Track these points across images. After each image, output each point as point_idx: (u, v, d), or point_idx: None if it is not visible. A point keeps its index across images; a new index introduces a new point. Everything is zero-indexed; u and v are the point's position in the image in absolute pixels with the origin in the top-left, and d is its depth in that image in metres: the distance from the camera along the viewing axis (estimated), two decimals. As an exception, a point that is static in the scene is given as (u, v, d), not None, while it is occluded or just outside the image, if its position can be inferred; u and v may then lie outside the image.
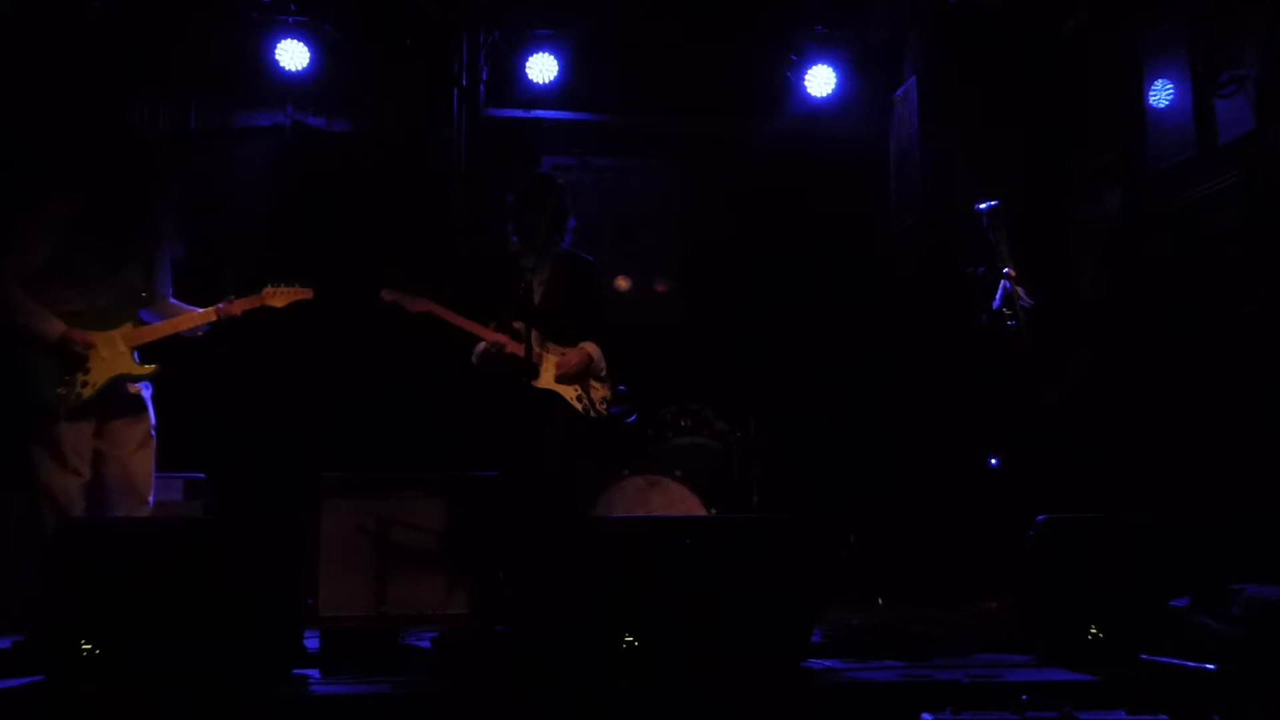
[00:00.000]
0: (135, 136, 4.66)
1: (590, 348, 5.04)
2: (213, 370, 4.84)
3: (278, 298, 4.76)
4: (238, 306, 4.67)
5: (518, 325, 4.90)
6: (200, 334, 4.71)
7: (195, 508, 5.56)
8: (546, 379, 4.93)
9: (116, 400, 4.51)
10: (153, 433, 4.61)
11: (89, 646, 3.56)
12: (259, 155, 7.07)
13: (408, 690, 3.70)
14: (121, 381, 4.50)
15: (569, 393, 4.96)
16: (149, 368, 4.56)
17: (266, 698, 3.60)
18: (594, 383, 5.05)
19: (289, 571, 3.85)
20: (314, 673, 3.91)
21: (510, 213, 5.12)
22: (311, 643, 4.04)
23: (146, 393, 4.64)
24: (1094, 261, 5.69)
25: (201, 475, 5.65)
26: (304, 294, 4.81)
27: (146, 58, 6.71)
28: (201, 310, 4.66)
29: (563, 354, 4.98)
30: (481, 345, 4.92)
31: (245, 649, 3.69)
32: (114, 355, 4.46)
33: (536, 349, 4.89)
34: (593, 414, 4.98)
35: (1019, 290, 5.21)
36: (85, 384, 4.39)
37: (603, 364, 5.07)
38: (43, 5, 6.46)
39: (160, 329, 4.61)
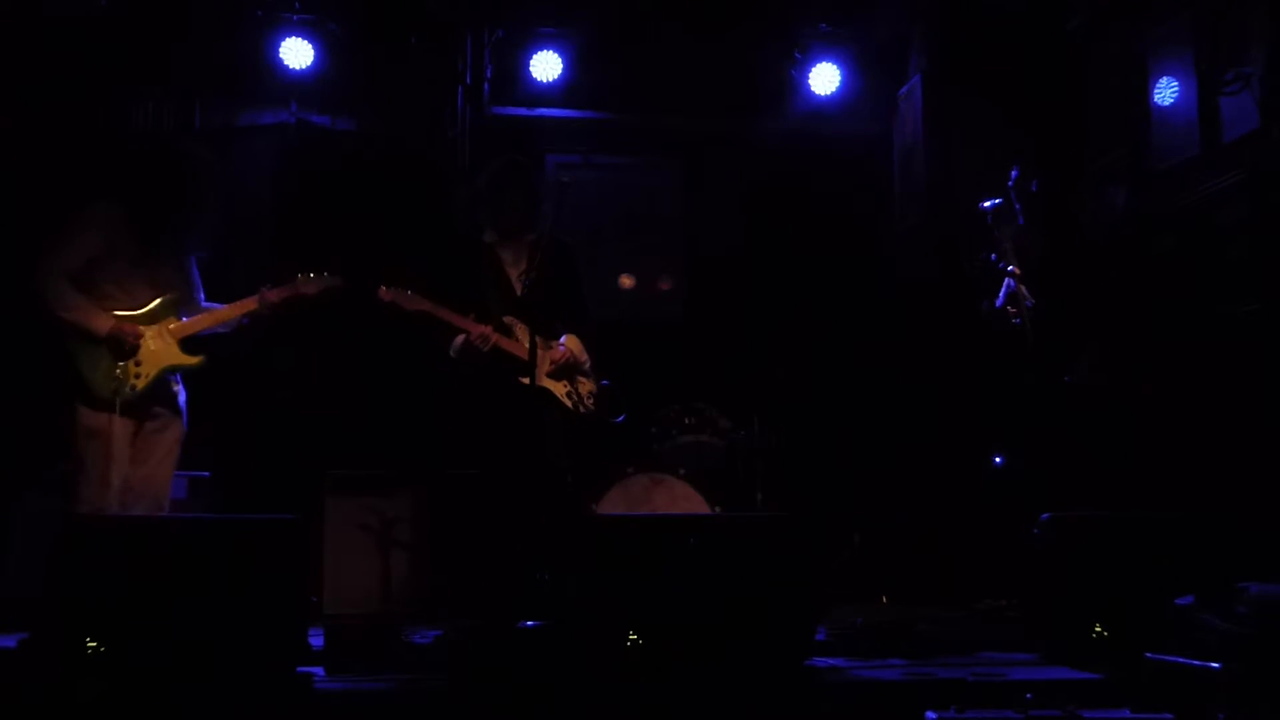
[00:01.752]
0: (181, 146, 4.78)
1: (573, 341, 5.00)
2: (216, 368, 4.86)
3: (311, 285, 4.84)
4: (275, 295, 4.77)
5: (507, 320, 4.86)
6: (243, 325, 4.79)
7: (200, 506, 5.58)
8: (538, 375, 4.85)
9: (158, 400, 4.62)
10: (180, 442, 4.71)
11: (94, 644, 3.57)
12: (263, 154, 7.07)
13: (412, 688, 3.70)
14: (170, 374, 4.63)
15: (559, 389, 4.94)
16: (196, 358, 4.67)
17: (271, 695, 3.61)
18: (580, 378, 5.01)
19: (293, 569, 3.85)
20: (318, 670, 3.91)
21: (480, 201, 5.03)
22: (316, 640, 4.04)
23: (182, 399, 4.72)
24: (1098, 260, 5.67)
25: (206, 474, 5.66)
26: (336, 282, 4.90)
27: (150, 56, 6.72)
28: (241, 301, 4.76)
29: (549, 348, 4.93)
30: (460, 339, 4.84)
31: (250, 646, 3.69)
32: (163, 348, 4.59)
33: (526, 345, 4.82)
34: (581, 409, 4.95)
35: (1023, 289, 5.20)
36: (138, 376, 4.52)
37: (585, 357, 5.02)
38: (46, 4, 6.47)
39: (204, 320, 4.72)
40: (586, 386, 5.03)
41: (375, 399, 6.70)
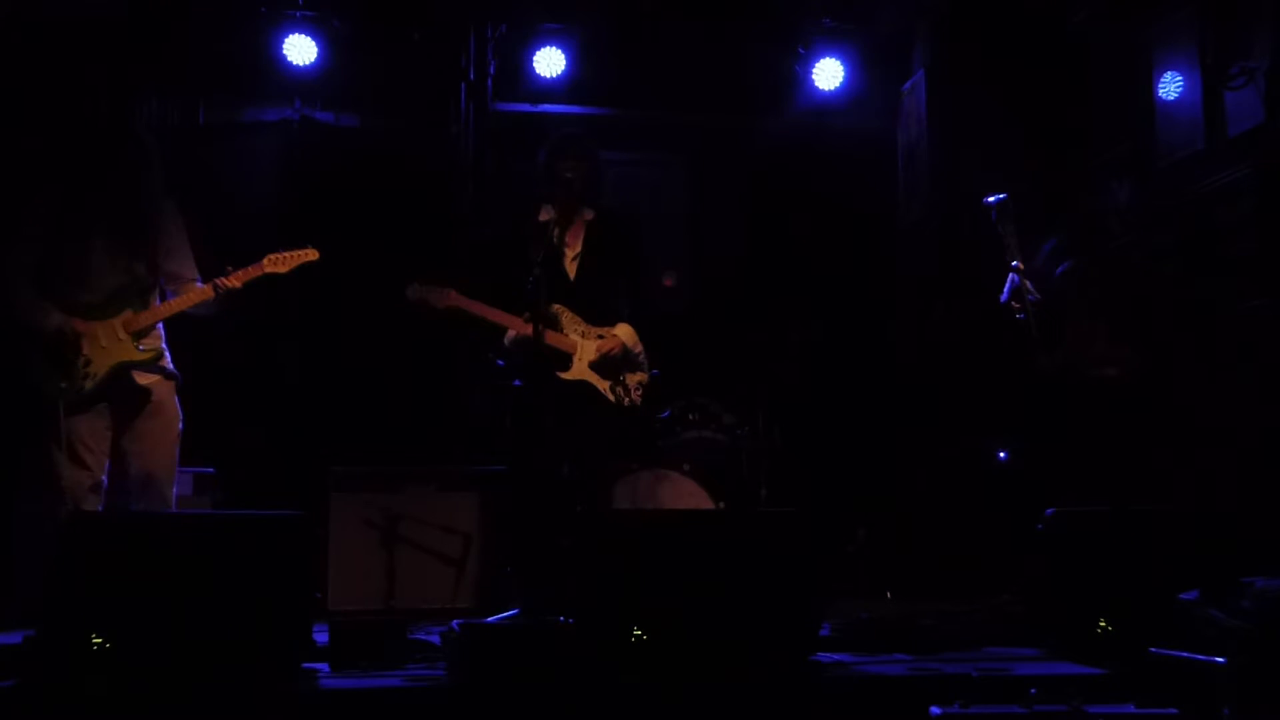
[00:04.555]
0: (123, 127, 4.69)
1: (624, 331, 4.86)
2: (221, 365, 4.87)
3: (281, 264, 4.65)
4: (237, 278, 4.59)
5: (555, 308, 4.75)
6: (209, 313, 4.63)
7: (204, 502, 5.58)
8: (579, 368, 4.78)
9: (128, 394, 4.50)
10: (179, 427, 4.61)
11: (99, 641, 3.57)
12: (267, 150, 7.08)
13: (417, 684, 3.70)
14: (127, 370, 4.48)
15: (602, 383, 4.80)
16: (148, 352, 4.51)
17: (276, 692, 3.61)
18: (629, 370, 4.85)
19: (298, 566, 3.85)
20: (323, 667, 3.92)
21: (540, 174, 4.90)
22: (321, 637, 4.04)
23: (168, 387, 4.61)
24: (1101, 255, 5.66)
25: (210, 470, 5.67)
26: (309, 255, 4.71)
27: (154, 54, 6.73)
28: (197, 289, 4.60)
29: (599, 337, 4.81)
30: (512, 333, 4.74)
31: (254, 643, 3.69)
32: (114, 344, 4.45)
33: (573, 336, 4.77)
34: (626, 403, 4.80)
35: (1027, 284, 5.19)
36: (87, 376, 4.38)
37: (639, 347, 4.88)
38: (48, 3, 6.48)
39: (158, 312, 4.57)
40: (636, 378, 4.85)
41: (381, 395, 6.71)
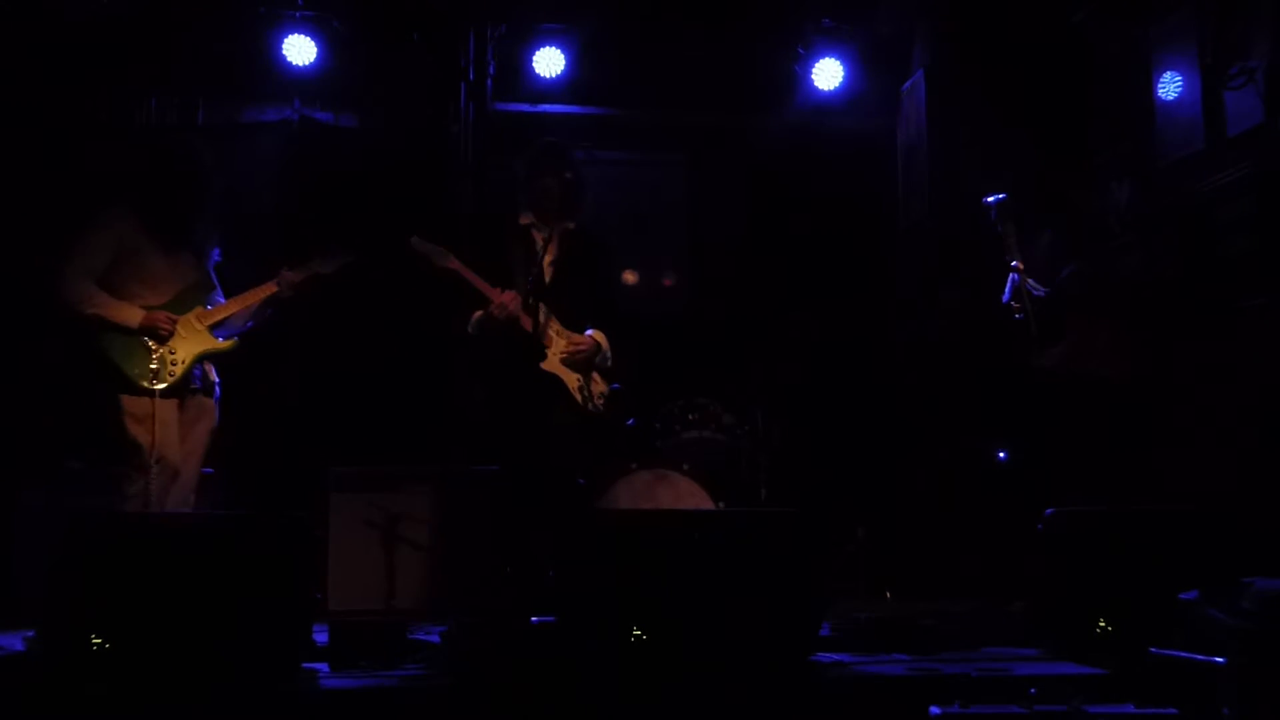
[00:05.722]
0: (175, 142, 4.89)
1: (600, 336, 4.94)
2: (220, 365, 4.88)
3: (328, 264, 4.97)
4: (294, 275, 4.88)
5: (533, 303, 4.77)
6: (268, 315, 4.91)
7: (204, 502, 5.57)
8: (552, 361, 4.83)
9: (195, 389, 4.74)
10: (212, 434, 4.83)
11: (99, 641, 3.57)
12: (266, 151, 7.07)
13: (416, 684, 3.71)
14: (205, 359, 4.75)
15: (571, 380, 4.86)
16: (229, 342, 4.80)
17: (276, 692, 3.61)
18: (596, 375, 4.96)
19: (297, 566, 3.85)
20: (323, 667, 3.92)
21: (519, 182, 4.98)
22: (320, 637, 4.04)
23: (218, 393, 4.86)
24: (1101, 254, 5.66)
25: (209, 470, 5.66)
26: (351, 257, 5.03)
27: (153, 54, 6.72)
28: (262, 285, 4.86)
29: (570, 338, 4.88)
30: (479, 314, 4.79)
31: (254, 643, 3.70)
32: (193, 334, 4.72)
33: (549, 331, 4.80)
34: (590, 407, 4.88)
35: (1027, 283, 5.19)
36: (174, 363, 4.64)
37: (609, 356, 4.97)
38: (48, 3, 6.48)
39: (229, 305, 4.83)
40: (600, 386, 4.96)
41: (380, 395, 6.70)
